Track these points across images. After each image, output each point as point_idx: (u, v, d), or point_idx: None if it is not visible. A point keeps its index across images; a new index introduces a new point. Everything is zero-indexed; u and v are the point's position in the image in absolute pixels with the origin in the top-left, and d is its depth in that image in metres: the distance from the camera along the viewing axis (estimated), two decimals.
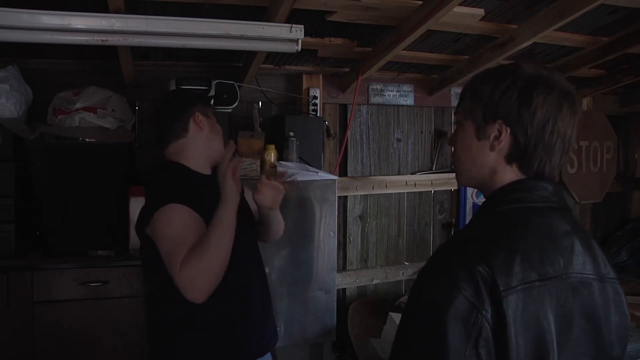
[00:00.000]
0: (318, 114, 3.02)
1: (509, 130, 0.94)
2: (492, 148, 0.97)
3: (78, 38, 1.98)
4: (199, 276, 1.33)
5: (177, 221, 1.43)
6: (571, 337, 0.89)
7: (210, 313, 1.49)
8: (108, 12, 1.96)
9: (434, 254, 0.93)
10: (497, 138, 0.96)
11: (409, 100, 3.42)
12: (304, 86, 3.06)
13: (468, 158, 1.01)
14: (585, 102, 3.90)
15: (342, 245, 3.35)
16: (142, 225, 1.50)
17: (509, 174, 0.97)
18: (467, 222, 1.08)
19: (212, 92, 2.62)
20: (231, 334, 1.55)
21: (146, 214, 1.48)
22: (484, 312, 0.81)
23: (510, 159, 0.96)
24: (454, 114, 1.04)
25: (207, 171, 1.66)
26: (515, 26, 2.57)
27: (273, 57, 2.83)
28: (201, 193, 1.53)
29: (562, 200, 0.99)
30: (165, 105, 1.70)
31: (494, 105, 0.95)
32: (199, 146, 1.62)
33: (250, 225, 1.72)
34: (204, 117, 1.64)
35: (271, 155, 2.56)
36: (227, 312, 1.54)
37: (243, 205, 1.76)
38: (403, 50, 2.62)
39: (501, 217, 0.94)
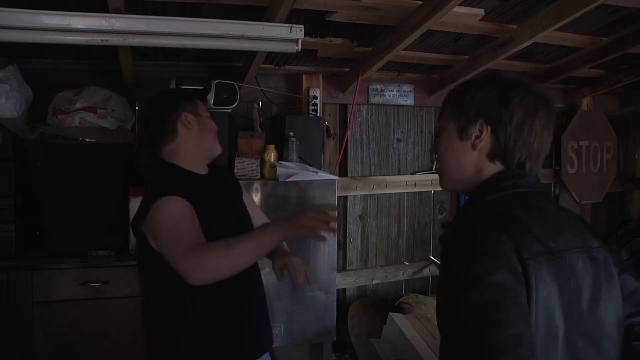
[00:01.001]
0: (318, 114, 3.02)
1: (489, 128, 1.00)
2: (474, 147, 1.02)
3: (78, 38, 1.98)
4: (208, 265, 1.33)
5: (174, 210, 1.43)
6: (581, 312, 0.93)
7: (206, 315, 1.49)
8: (108, 12, 1.96)
9: (449, 242, 0.95)
10: (478, 137, 1.01)
11: (409, 100, 3.42)
12: (304, 86, 3.06)
13: (452, 159, 1.06)
14: (585, 102, 3.89)
15: (342, 245, 3.35)
16: (137, 222, 1.50)
17: (494, 170, 1.02)
18: None
19: (212, 92, 2.62)
20: (227, 336, 1.55)
21: (142, 211, 1.48)
22: (521, 277, 0.86)
23: (492, 156, 1.02)
24: (437, 121, 1.13)
25: (202, 170, 1.65)
26: (515, 26, 2.57)
27: (273, 57, 2.84)
28: (196, 193, 1.53)
29: (543, 187, 1.06)
30: (152, 110, 1.67)
31: (475, 106, 1.01)
32: (191, 146, 1.61)
33: (248, 229, 1.71)
34: (192, 116, 1.61)
35: (271, 155, 2.57)
36: (223, 314, 1.53)
37: (241, 208, 1.76)
38: (403, 50, 2.62)
39: (499, 202, 0.99)
